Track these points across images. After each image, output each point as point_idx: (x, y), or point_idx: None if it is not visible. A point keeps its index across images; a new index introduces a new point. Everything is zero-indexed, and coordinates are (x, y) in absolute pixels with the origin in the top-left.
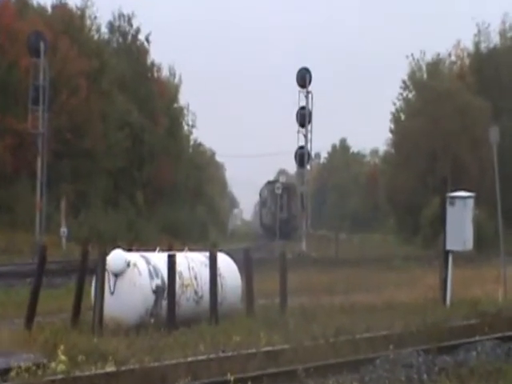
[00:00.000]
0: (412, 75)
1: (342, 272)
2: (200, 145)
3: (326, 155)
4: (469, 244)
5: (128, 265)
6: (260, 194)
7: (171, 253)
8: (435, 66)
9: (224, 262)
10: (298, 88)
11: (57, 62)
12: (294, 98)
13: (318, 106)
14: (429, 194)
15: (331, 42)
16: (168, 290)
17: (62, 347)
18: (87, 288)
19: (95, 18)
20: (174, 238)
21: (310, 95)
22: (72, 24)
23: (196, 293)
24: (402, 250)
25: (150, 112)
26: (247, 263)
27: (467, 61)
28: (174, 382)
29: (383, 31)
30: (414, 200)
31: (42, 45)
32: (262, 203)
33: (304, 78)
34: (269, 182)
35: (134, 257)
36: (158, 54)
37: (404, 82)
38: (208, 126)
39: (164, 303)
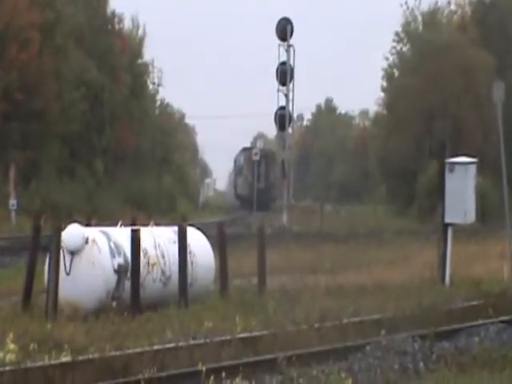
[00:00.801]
0: (406, 26)
1: (327, 248)
2: (167, 106)
3: (309, 117)
4: (470, 216)
5: (86, 241)
6: (235, 162)
7: (135, 228)
8: (432, 15)
9: (195, 237)
10: (277, 41)
11: (4, 14)
12: (274, 52)
13: (300, 61)
14: (425, 159)
15: None
16: (131, 269)
17: (11, 335)
18: (40, 268)
19: None
20: (138, 211)
21: (291, 49)
22: None
23: (163, 273)
24: (395, 224)
25: (110, 69)
26: (221, 239)
27: (469, 10)
28: (139, 372)
29: None
30: (409, 166)
31: None
32: (237, 172)
33: (284, 29)
34: (244, 149)
35: (93, 232)
36: (118, 3)
37: (397, 33)
38: (176, 84)
39: (127, 284)
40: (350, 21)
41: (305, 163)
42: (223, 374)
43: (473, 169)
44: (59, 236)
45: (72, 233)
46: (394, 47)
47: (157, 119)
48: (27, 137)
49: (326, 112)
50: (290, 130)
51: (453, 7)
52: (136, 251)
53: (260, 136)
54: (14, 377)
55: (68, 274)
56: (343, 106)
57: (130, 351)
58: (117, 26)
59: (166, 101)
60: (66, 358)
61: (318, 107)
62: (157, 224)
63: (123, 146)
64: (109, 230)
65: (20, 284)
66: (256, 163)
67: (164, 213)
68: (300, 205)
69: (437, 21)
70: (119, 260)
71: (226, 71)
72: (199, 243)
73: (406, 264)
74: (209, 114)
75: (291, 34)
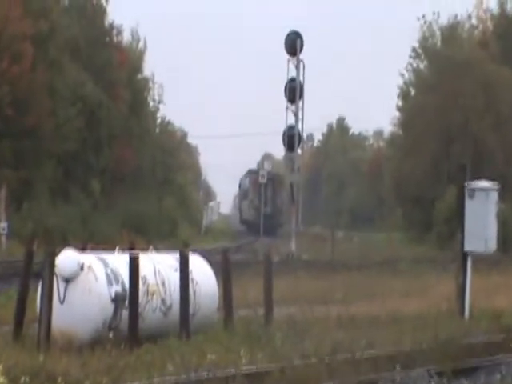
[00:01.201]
0: (424, 41)
1: (338, 277)
2: (168, 124)
3: (320, 137)
4: (491, 244)
5: (81, 268)
6: (240, 185)
7: (133, 253)
8: (452, 30)
9: (197, 264)
10: (286, 56)
11: None
12: (282, 67)
13: (310, 77)
14: (443, 183)
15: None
16: (130, 298)
17: (0, 367)
18: (32, 296)
19: None
20: (136, 236)
21: (301, 65)
22: None
23: (163, 302)
24: (411, 252)
25: (107, 84)
26: (225, 266)
27: (490, 24)
28: None
29: None
30: (426, 191)
31: None
32: (243, 195)
33: (294, 44)
34: (250, 171)
35: (89, 258)
36: (117, 15)
37: (414, 49)
38: (178, 101)
39: (125, 314)
40: (364, 35)
41: (315, 187)
42: None
43: (494, 194)
44: (53, 262)
45: (66, 259)
46: (411, 64)
47: (157, 138)
48: (19, 155)
49: (338, 132)
50: (299, 151)
51: (474, 21)
52: (134, 278)
53: (267, 157)
54: None
55: (62, 302)
56: (356, 126)
57: None
58: (115, 39)
59: (167, 118)
60: None
61: (330, 127)
62: (157, 250)
63: (121, 166)
64: (106, 255)
65: (11, 313)
66: (262, 186)
67: (165, 238)
68: (309, 231)
69: (456, 36)
70: (117, 288)
71: (231, 88)
72: (202, 271)
73: (423, 295)
74: (212, 133)
75: (301, 49)
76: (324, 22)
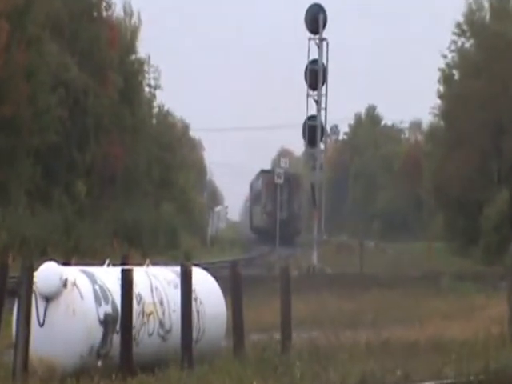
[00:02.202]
0: (470, 16)
1: (368, 296)
2: (167, 114)
3: (346, 129)
4: None
5: (64, 284)
6: (251, 187)
7: (126, 268)
8: (503, 2)
9: (202, 280)
10: (307, 34)
11: None
12: (303, 48)
13: (335, 60)
14: (493, 185)
15: None
16: (122, 320)
17: None
18: (6, 317)
19: None
20: (130, 248)
21: (324, 44)
22: None
23: (162, 324)
24: (455, 266)
25: (95, 67)
26: (235, 283)
27: None
28: None
29: None
30: (472, 194)
31: None
32: (254, 199)
33: (316, 19)
34: (263, 171)
35: (73, 273)
36: None
37: (458, 25)
38: (179, 87)
39: (116, 339)
40: (398, 10)
41: (340, 188)
42: None
43: None
44: (31, 277)
45: (47, 274)
46: (454, 42)
47: (154, 130)
48: None
49: (368, 123)
50: (321, 146)
51: None
52: (127, 297)
53: (284, 153)
54: None
55: (42, 325)
56: (389, 117)
57: None
58: (104, 13)
59: (166, 107)
60: None
61: (358, 117)
62: (154, 263)
63: (111, 164)
64: (93, 270)
65: None
66: (278, 188)
67: (163, 249)
68: (334, 240)
69: (508, 9)
70: (106, 308)
71: (241, 72)
72: (207, 288)
73: (469, 317)
74: (219, 125)
75: (324, 25)
76: None
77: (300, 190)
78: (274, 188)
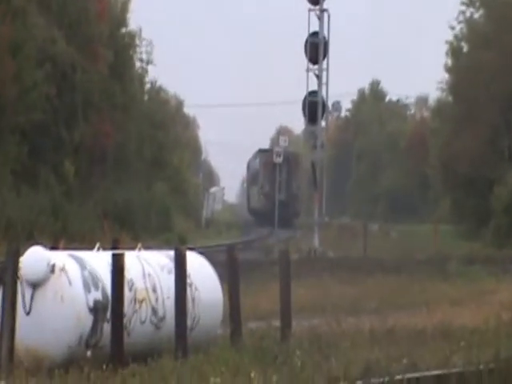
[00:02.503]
0: None
1: (373, 281)
2: (160, 90)
3: (349, 106)
4: None
5: (52, 270)
6: (248, 167)
7: (117, 252)
8: None
9: (197, 265)
10: (307, 4)
11: None
12: (302, 20)
13: (337, 32)
14: (504, 162)
15: None
16: (112, 307)
17: None
18: None
19: None
20: (121, 230)
21: (325, 15)
22: None
23: (155, 312)
24: (463, 249)
25: (84, 41)
26: (232, 268)
27: None
28: None
29: None
30: (482, 172)
31: None
32: (251, 179)
33: None
34: (260, 150)
35: (61, 258)
36: None
37: None
38: (172, 62)
39: (106, 327)
40: None
41: (342, 167)
42: None
43: None
44: (16, 263)
45: (33, 259)
46: (463, 13)
47: (146, 107)
48: None
49: (372, 99)
50: (322, 123)
51: None
52: (118, 283)
53: (283, 131)
54: None
55: (28, 313)
56: (394, 92)
57: None
58: None
59: (158, 83)
60: None
61: (361, 93)
62: (146, 247)
63: (101, 143)
64: (82, 254)
65: None
66: (276, 168)
67: (156, 232)
68: (336, 223)
69: None
70: (96, 295)
71: (237, 45)
72: (203, 273)
73: (478, 303)
74: (214, 101)
75: None
76: None
77: (299, 170)
78: (272, 168)
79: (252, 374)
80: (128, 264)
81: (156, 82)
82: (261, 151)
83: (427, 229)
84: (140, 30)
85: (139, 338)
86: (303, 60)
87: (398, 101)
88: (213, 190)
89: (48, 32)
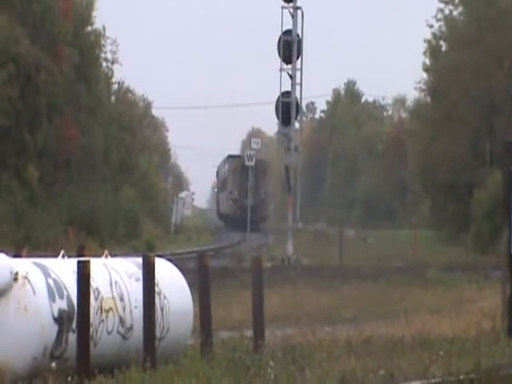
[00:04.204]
0: None
1: (349, 289)
2: (127, 91)
3: (324, 107)
4: None
5: (15, 278)
6: (217, 173)
7: (83, 260)
8: None
9: (166, 273)
10: (280, 2)
11: None
12: (275, 18)
13: (311, 30)
14: (485, 166)
15: None
16: (78, 317)
17: None
18: None
19: None
20: (87, 237)
21: (298, 13)
22: None
23: (122, 322)
24: (443, 255)
25: (48, 40)
26: (202, 275)
27: None
28: None
29: None
30: (462, 177)
31: None
32: (221, 185)
33: None
34: (230, 156)
35: (25, 265)
36: None
37: None
38: (139, 62)
39: (72, 338)
40: None
41: (317, 171)
42: None
43: None
44: None
45: None
46: (441, 10)
47: (112, 110)
48: None
49: (347, 100)
50: (296, 125)
51: None
52: (84, 292)
53: (255, 133)
54: None
55: None
56: (370, 92)
57: None
58: None
59: (126, 84)
60: None
61: (336, 93)
62: (113, 255)
63: (66, 147)
64: (46, 262)
65: None
66: (244, 173)
67: (123, 239)
68: (311, 229)
69: None
70: (61, 304)
71: (207, 44)
72: (172, 281)
73: (459, 311)
74: (184, 103)
75: None
76: None
77: (267, 176)
78: (241, 174)
79: None
80: (94, 272)
81: (123, 82)
82: (230, 157)
83: (405, 234)
84: (104, 29)
85: (106, 348)
86: (277, 59)
87: (374, 102)
88: (182, 194)
89: (11, 31)
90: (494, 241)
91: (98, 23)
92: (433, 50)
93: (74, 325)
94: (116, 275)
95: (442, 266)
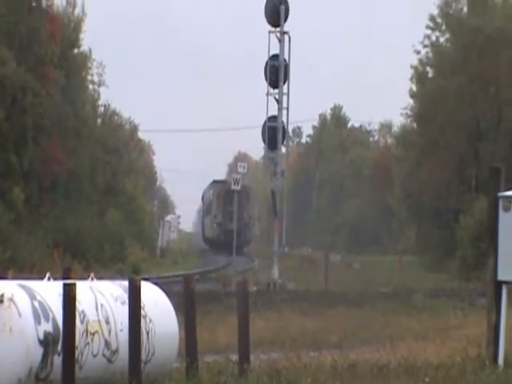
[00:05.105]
0: (445, 8)
1: (334, 314)
2: (114, 114)
3: (310, 132)
4: None
5: (0, 300)
6: (203, 197)
7: (69, 282)
8: None
9: (152, 296)
10: (267, 27)
11: None
12: (262, 42)
13: (298, 55)
14: (470, 192)
15: None
16: (63, 339)
17: None
18: None
19: None
20: (73, 260)
21: (285, 38)
22: None
23: (108, 345)
24: (428, 282)
25: (34, 62)
26: (188, 299)
27: None
28: None
29: None
30: (447, 202)
31: None
32: (206, 209)
33: (276, 10)
34: (215, 181)
35: (10, 287)
36: None
37: (432, 18)
38: (126, 85)
39: (57, 360)
40: (368, 1)
41: (303, 196)
42: None
43: None
44: None
45: None
46: (428, 37)
47: (99, 132)
48: None
49: (334, 125)
50: (283, 150)
51: None
52: (70, 314)
53: (242, 157)
54: None
55: None
56: (357, 118)
57: None
58: (44, 3)
59: (112, 107)
60: None
61: (323, 118)
62: (99, 278)
63: (52, 170)
64: (32, 284)
65: None
66: (228, 199)
67: (109, 262)
68: (297, 253)
69: (487, 1)
70: (46, 326)
71: (195, 68)
72: (158, 304)
73: (444, 338)
74: (170, 126)
75: (286, 18)
76: None
77: (250, 201)
78: (225, 198)
79: None
80: (80, 294)
81: (109, 105)
82: (215, 182)
83: (391, 260)
84: (90, 51)
85: (91, 371)
86: (264, 84)
87: (360, 127)
88: (168, 218)
89: None
90: (480, 267)
91: (84, 45)
92: (419, 76)
93: (59, 347)
94: (102, 298)
95: (427, 292)
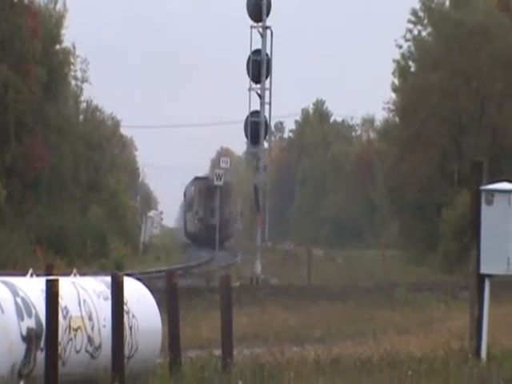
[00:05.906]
0: (427, 2)
1: (317, 309)
2: (96, 110)
3: (292, 127)
4: None
5: None
6: (185, 194)
7: (51, 278)
8: None
9: (134, 292)
10: (249, 22)
11: None
12: (244, 37)
13: (280, 50)
14: (453, 186)
15: None
16: (46, 335)
17: None
18: None
19: None
20: (55, 256)
21: (267, 33)
22: None
23: (90, 340)
24: (411, 275)
25: (16, 59)
26: (171, 294)
27: None
28: None
29: None
30: (430, 197)
31: None
32: (188, 205)
33: (258, 5)
34: (196, 178)
35: None
36: None
37: (414, 12)
38: (108, 80)
39: (40, 357)
40: None
41: (286, 191)
42: None
43: None
44: None
45: None
46: (410, 31)
47: (81, 128)
48: None
49: (316, 120)
50: (265, 145)
51: None
52: (53, 310)
53: (224, 153)
54: None
55: None
56: (339, 112)
57: None
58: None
59: (94, 103)
60: None
61: (305, 113)
62: (81, 274)
63: (34, 166)
64: (14, 281)
65: None
66: (209, 195)
67: (91, 258)
68: (279, 248)
69: None
70: (29, 322)
71: (178, 64)
72: (140, 300)
73: (427, 331)
74: (153, 122)
75: (268, 13)
76: None
77: (231, 197)
78: (206, 194)
79: None
80: (63, 291)
81: (91, 101)
82: (196, 179)
83: (374, 254)
84: (73, 47)
85: (74, 367)
86: (246, 79)
87: (343, 121)
88: (151, 213)
89: None
90: (462, 261)
91: (67, 41)
92: (401, 71)
93: (42, 343)
94: (85, 294)
95: (410, 285)
